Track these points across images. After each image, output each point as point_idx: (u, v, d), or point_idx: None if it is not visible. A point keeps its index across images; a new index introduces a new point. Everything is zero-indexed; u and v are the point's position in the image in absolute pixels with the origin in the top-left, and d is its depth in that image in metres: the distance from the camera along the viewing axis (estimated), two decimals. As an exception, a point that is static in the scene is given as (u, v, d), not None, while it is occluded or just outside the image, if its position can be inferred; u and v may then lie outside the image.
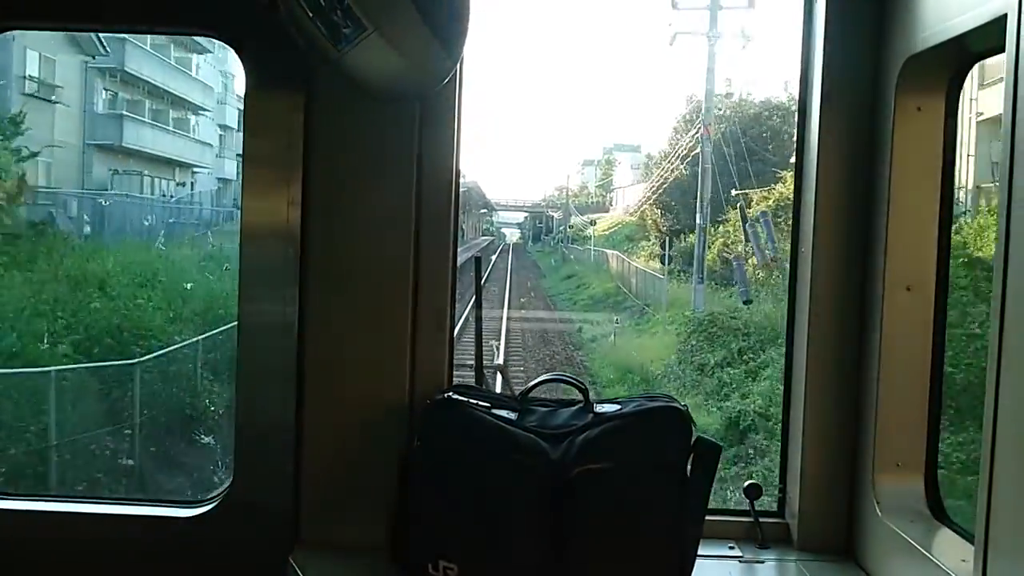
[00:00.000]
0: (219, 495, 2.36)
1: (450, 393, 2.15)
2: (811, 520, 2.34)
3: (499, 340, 17.92)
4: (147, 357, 11.99)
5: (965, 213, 13.03)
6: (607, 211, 42.14)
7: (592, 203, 44.53)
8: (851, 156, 2.29)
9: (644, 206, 29.34)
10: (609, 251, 31.99)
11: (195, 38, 20.06)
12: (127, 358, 11.84)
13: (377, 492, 2.21)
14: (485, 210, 46.62)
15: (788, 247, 2.57)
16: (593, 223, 39.73)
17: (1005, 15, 1.67)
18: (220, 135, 29.73)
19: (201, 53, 25.26)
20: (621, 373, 16.80)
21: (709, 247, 20.46)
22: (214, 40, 2.42)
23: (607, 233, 35.86)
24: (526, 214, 50.27)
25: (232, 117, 30.14)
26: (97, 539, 2.36)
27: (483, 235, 48.29)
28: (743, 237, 18.37)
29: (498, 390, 2.48)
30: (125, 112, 22.58)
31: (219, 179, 29.25)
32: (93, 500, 2.50)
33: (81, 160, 21.06)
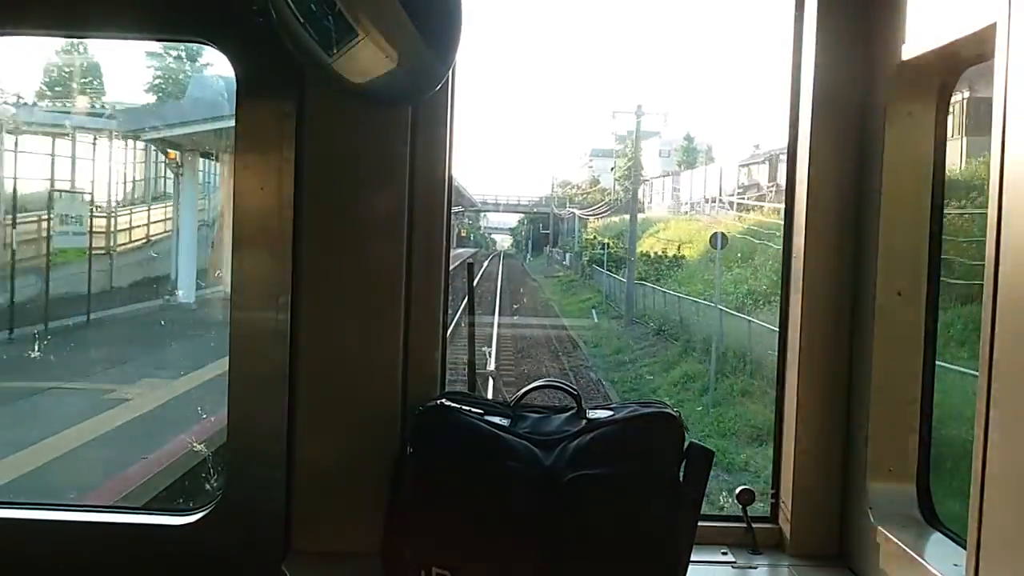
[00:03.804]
0: (211, 503, 2.34)
1: (443, 400, 2.15)
2: (804, 525, 2.34)
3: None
4: None
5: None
6: (642, 212, 33.88)
7: (611, 201, 36.64)
8: (842, 161, 2.29)
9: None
10: None
11: None
12: None
13: (369, 499, 2.20)
14: (460, 208, 33.46)
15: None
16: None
17: (995, 24, 1.67)
18: None
19: None
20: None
21: None
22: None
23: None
24: (521, 216, 42.23)
25: None
26: (88, 548, 2.34)
27: (461, 246, 35.32)
28: None
29: (490, 396, 2.48)
30: None
31: None
32: (83, 508, 2.48)
33: None
